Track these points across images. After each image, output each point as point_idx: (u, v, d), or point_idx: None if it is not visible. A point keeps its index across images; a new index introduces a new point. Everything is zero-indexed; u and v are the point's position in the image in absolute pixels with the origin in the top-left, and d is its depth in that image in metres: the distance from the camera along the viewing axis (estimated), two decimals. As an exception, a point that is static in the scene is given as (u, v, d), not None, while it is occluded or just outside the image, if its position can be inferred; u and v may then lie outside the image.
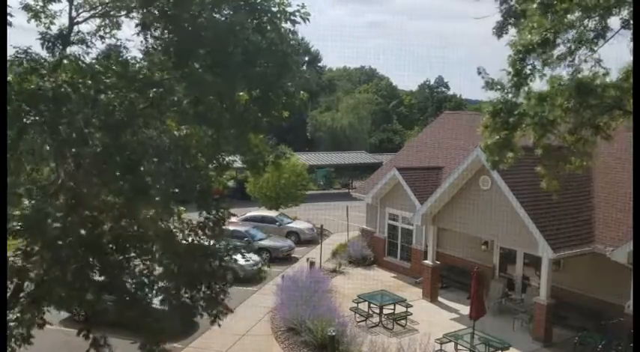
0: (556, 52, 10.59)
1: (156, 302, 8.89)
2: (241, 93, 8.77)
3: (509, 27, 11.40)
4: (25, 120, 6.76)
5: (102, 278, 8.30)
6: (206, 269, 8.50)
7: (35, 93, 6.68)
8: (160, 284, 8.57)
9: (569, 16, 10.11)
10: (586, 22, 10.29)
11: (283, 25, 8.65)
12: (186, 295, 8.67)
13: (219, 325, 9.03)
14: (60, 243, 6.83)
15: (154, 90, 7.40)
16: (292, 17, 8.54)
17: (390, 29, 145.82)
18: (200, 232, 8.92)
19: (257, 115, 8.83)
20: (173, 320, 8.89)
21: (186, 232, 8.93)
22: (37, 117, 6.64)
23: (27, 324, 7.83)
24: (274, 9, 8.42)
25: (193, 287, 8.56)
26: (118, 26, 9.61)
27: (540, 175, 12.55)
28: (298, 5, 8.60)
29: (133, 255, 8.46)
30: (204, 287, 8.68)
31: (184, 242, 8.81)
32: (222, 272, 8.88)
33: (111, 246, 8.15)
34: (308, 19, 8.60)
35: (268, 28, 8.50)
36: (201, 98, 8.17)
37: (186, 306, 8.65)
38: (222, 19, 8.20)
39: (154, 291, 8.58)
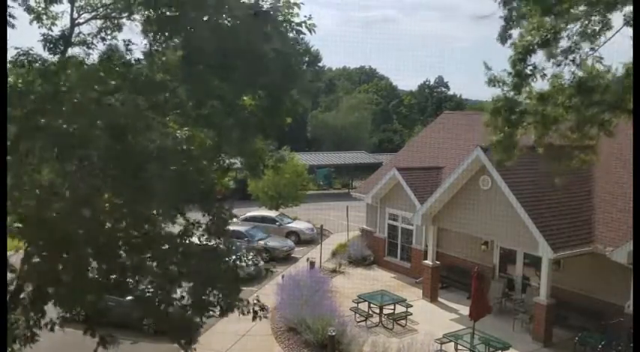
0: (560, 46, 10.59)
1: (177, 301, 9.05)
2: (245, 98, 8.80)
3: (512, 31, 11.39)
4: (29, 122, 6.78)
5: (107, 279, 8.37)
6: (222, 269, 8.63)
7: (39, 95, 6.70)
8: (183, 283, 8.73)
9: (572, 10, 10.11)
10: (590, 16, 10.28)
11: (289, 34, 8.67)
12: (212, 293, 8.85)
13: (261, 318, 9.36)
14: (66, 243, 6.86)
15: (157, 92, 7.42)
16: (298, 28, 8.58)
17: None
18: (207, 234, 9.02)
19: (260, 120, 8.87)
20: (196, 317, 9.05)
21: (197, 233, 9.05)
22: (41, 120, 6.66)
23: (29, 325, 7.86)
24: (280, 18, 8.44)
25: (211, 285, 8.70)
26: (120, 28, 9.62)
27: (547, 173, 12.56)
28: (305, 16, 8.64)
29: (148, 256, 8.55)
30: (222, 287, 8.84)
31: (197, 244, 8.94)
32: (234, 272, 9.05)
33: (123, 247, 8.22)
34: (314, 31, 8.63)
35: (274, 36, 8.51)
36: (204, 101, 8.20)
37: (205, 303, 8.80)
38: (228, 24, 8.21)
39: (174, 290, 8.73)
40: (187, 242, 8.73)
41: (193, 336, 9.04)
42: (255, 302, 9.34)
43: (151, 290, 8.63)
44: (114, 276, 8.36)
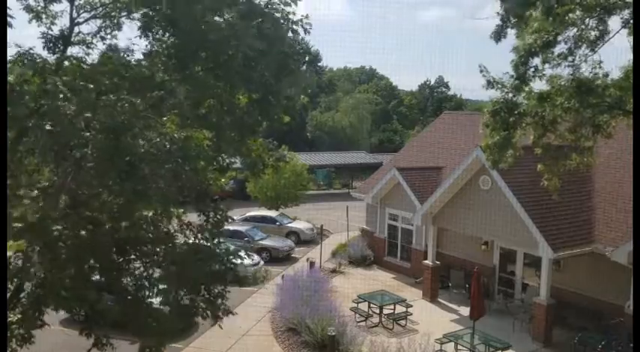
0: (557, 50, 10.63)
1: (156, 303, 8.93)
2: (241, 97, 8.78)
3: (508, 31, 11.42)
4: (26, 122, 6.76)
5: (101, 278, 8.32)
6: (206, 273, 8.51)
7: (37, 95, 6.69)
8: (161, 286, 8.59)
9: (570, 14, 10.14)
10: (587, 21, 10.33)
11: (285, 32, 8.66)
12: (187, 297, 8.69)
13: (221, 327, 9.04)
14: (61, 244, 6.84)
15: (155, 92, 7.41)
16: (294, 27, 8.57)
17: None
18: (200, 235, 8.93)
19: (257, 118, 8.84)
20: (173, 321, 8.91)
21: (187, 233, 8.95)
22: (38, 120, 6.65)
23: (28, 325, 7.84)
24: (277, 15, 8.43)
25: (193, 290, 8.56)
26: (119, 27, 9.60)
27: (541, 173, 12.59)
28: (302, 15, 8.63)
29: (132, 257, 8.48)
30: (203, 290, 8.69)
31: (185, 245, 8.83)
32: (222, 276, 8.90)
33: (112, 247, 8.16)
34: (309, 31, 8.63)
35: (269, 33, 8.50)
36: (201, 100, 8.17)
37: (186, 308, 8.67)
38: (224, 22, 8.20)
39: (154, 293, 8.60)
40: (171, 245, 8.61)
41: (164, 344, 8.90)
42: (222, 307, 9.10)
43: (132, 292, 8.56)
44: (105, 277, 8.31)
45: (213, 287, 8.78)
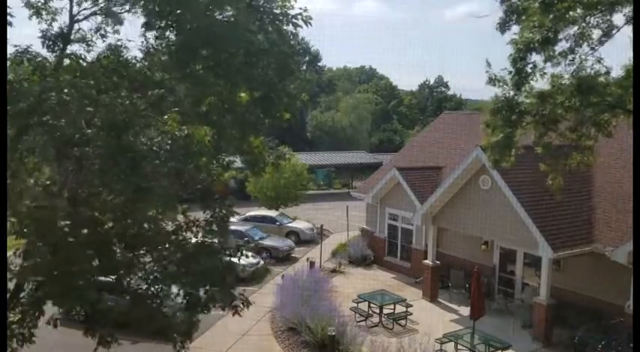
0: (558, 48, 10.60)
1: (172, 297, 9.02)
2: (242, 95, 8.77)
3: (512, 23, 11.37)
4: (27, 120, 6.75)
5: (107, 277, 8.34)
6: (217, 265, 8.57)
7: (37, 93, 6.68)
8: (171, 281, 8.66)
9: (571, 12, 10.11)
10: (588, 19, 10.30)
11: (285, 27, 8.64)
12: (201, 290, 8.78)
13: (240, 315, 9.20)
14: (66, 242, 6.83)
15: (155, 90, 7.40)
16: (294, 20, 8.54)
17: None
18: (207, 228, 9.00)
19: (258, 116, 8.83)
20: (181, 317, 8.98)
21: (194, 230, 9.00)
22: (39, 118, 6.63)
23: (29, 325, 7.83)
24: (277, 11, 8.41)
25: (206, 282, 8.65)
26: (120, 22, 9.56)
27: (545, 172, 12.56)
28: (301, 8, 8.60)
29: (142, 252, 8.52)
30: (216, 281, 8.77)
31: (193, 240, 8.89)
32: (231, 268, 8.98)
33: (118, 244, 8.18)
34: (310, 23, 8.59)
35: (270, 29, 8.48)
36: (202, 98, 8.17)
37: (201, 299, 8.75)
38: (225, 19, 8.18)
39: (167, 286, 8.68)
40: (181, 239, 8.65)
41: (188, 336, 8.96)
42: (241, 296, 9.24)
43: (144, 287, 8.60)
44: (110, 275, 8.32)
45: (225, 278, 8.85)
